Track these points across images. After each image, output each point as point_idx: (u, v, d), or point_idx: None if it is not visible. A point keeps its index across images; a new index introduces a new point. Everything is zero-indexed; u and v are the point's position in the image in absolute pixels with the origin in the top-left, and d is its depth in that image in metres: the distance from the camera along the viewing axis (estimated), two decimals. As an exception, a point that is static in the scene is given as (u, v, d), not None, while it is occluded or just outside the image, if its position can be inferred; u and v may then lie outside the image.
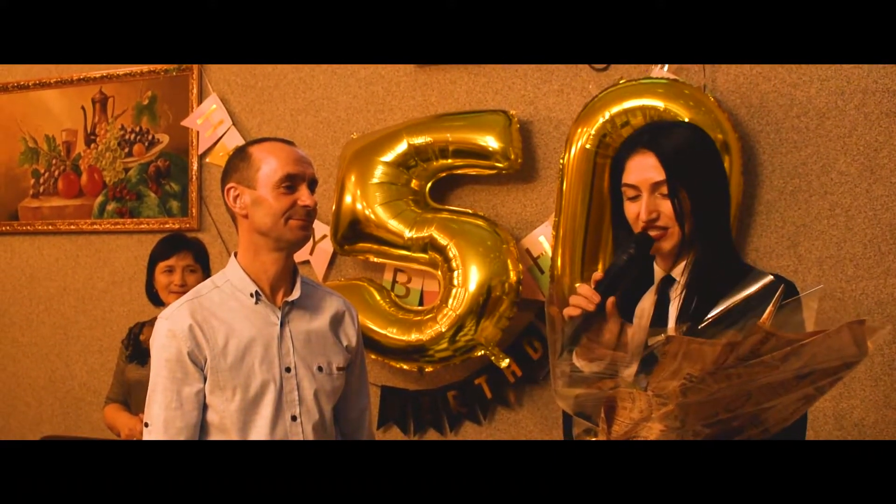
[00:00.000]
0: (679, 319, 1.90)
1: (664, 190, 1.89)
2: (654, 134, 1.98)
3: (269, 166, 2.19)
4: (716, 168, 1.99)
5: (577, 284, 1.92)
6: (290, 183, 2.19)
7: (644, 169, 1.92)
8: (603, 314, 1.88)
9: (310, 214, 2.22)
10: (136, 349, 3.37)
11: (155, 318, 3.25)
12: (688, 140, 1.95)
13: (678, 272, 1.96)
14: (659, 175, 1.89)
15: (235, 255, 2.30)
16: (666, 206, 1.90)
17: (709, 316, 1.73)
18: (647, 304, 1.99)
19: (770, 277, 1.81)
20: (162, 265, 3.30)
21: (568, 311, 1.88)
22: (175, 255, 3.29)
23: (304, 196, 2.20)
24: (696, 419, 1.64)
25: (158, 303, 3.34)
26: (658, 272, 2.00)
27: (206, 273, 3.31)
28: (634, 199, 1.94)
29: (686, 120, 3.01)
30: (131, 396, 3.36)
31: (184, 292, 3.03)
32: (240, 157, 2.26)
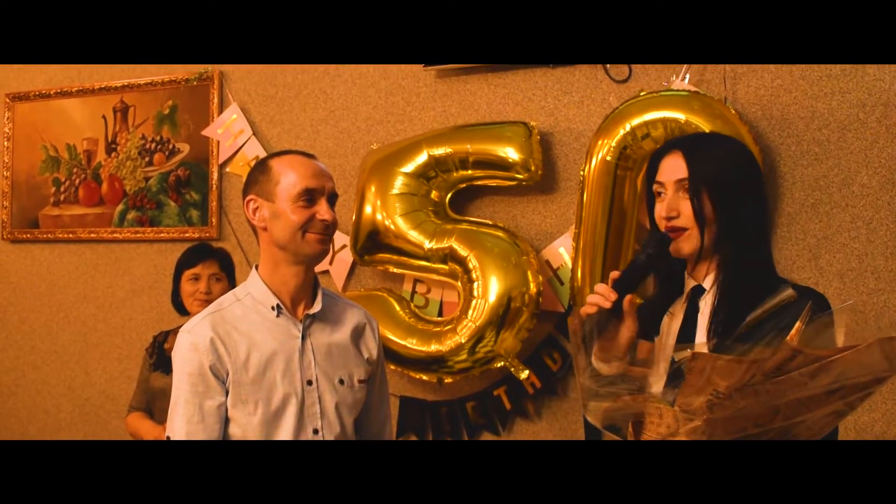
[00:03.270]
0: (708, 330, 1.90)
1: (687, 188, 1.91)
2: (690, 137, 2.02)
3: (288, 180, 2.19)
4: (749, 179, 1.97)
5: (597, 284, 1.94)
6: (308, 197, 2.18)
7: (672, 167, 1.94)
8: (620, 312, 1.90)
9: (328, 228, 2.21)
10: (161, 357, 3.38)
11: (179, 327, 3.28)
12: (720, 146, 1.99)
13: (709, 282, 1.96)
14: (683, 173, 1.91)
15: (256, 267, 2.30)
16: (687, 207, 1.91)
17: (736, 332, 1.74)
18: (676, 313, 1.99)
19: (790, 292, 1.82)
20: (188, 273, 3.32)
21: (585, 310, 1.90)
22: (201, 263, 3.31)
23: (322, 210, 2.19)
24: (723, 434, 1.63)
25: (183, 312, 3.36)
26: (689, 282, 2.00)
27: (232, 282, 3.33)
28: (661, 197, 1.97)
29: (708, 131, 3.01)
30: (155, 404, 3.37)
31: (209, 300, 3.08)
32: (260, 169, 2.26)
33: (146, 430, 3.29)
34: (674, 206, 1.92)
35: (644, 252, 1.94)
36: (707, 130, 3.01)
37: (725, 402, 1.58)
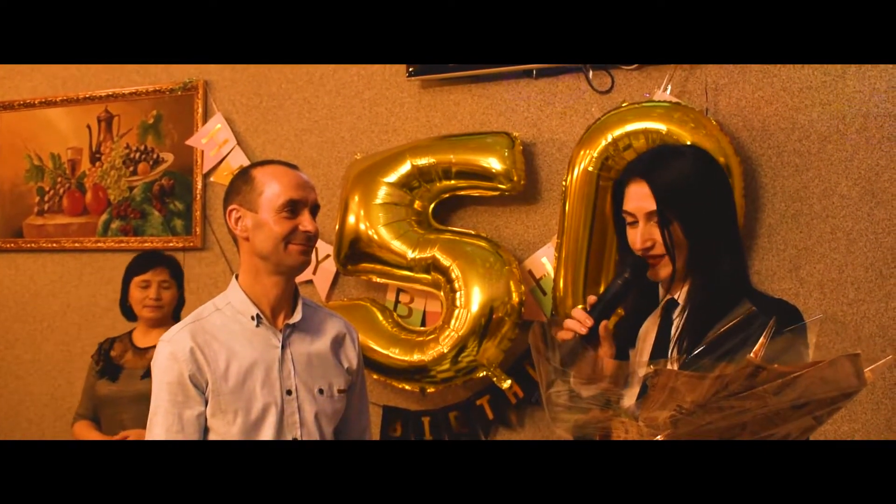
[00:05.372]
0: (678, 342, 1.90)
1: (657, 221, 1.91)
2: (652, 163, 1.97)
3: (271, 190, 2.19)
4: (716, 194, 1.96)
5: (573, 309, 1.96)
6: (292, 208, 2.19)
7: (639, 197, 1.93)
8: (596, 338, 1.93)
9: (310, 240, 2.22)
10: (107, 364, 3.42)
11: (126, 334, 3.41)
12: (684, 170, 1.94)
13: (682, 296, 1.96)
14: (652, 205, 1.90)
15: (237, 277, 2.30)
16: (659, 235, 1.91)
17: (700, 346, 1.74)
18: (650, 327, 2.00)
19: (748, 306, 1.82)
20: (137, 280, 3.39)
21: (561, 335, 1.92)
22: (151, 270, 3.39)
23: (305, 221, 2.20)
24: None
25: (132, 318, 3.41)
26: (662, 295, 2.01)
27: (181, 290, 3.44)
28: (633, 224, 1.96)
29: (689, 143, 3.01)
30: (101, 412, 3.40)
31: (159, 307, 3.19)
32: (242, 179, 2.26)
33: (93, 439, 3.32)
34: (647, 236, 1.92)
35: (620, 276, 1.96)
36: (688, 142, 3.02)
37: (689, 418, 1.58)
